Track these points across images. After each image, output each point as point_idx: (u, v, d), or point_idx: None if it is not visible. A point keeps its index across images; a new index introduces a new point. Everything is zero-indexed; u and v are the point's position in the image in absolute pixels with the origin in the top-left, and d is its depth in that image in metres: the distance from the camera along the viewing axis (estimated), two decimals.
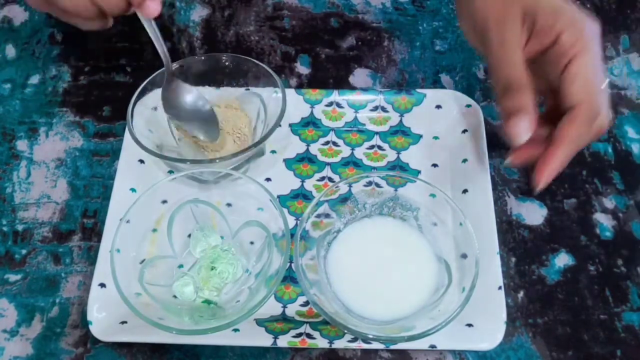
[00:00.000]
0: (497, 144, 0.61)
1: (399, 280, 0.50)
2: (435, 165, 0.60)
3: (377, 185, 0.52)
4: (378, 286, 0.50)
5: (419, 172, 0.59)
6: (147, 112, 0.57)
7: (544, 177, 0.45)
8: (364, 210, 0.53)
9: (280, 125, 0.55)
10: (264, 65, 0.58)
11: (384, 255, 0.52)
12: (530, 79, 0.45)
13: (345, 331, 0.45)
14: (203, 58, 0.60)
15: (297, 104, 0.62)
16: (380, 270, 0.51)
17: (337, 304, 0.49)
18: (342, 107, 0.62)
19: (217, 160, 0.53)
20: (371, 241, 0.52)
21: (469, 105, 0.61)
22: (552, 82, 0.47)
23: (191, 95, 0.57)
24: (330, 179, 0.59)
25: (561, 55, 0.44)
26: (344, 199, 0.52)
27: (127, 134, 0.58)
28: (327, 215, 0.52)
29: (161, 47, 0.55)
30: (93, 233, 0.57)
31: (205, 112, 0.57)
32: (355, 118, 0.62)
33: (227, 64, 0.60)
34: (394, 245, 0.52)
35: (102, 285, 0.51)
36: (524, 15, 0.45)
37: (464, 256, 0.53)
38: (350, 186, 0.52)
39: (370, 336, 0.45)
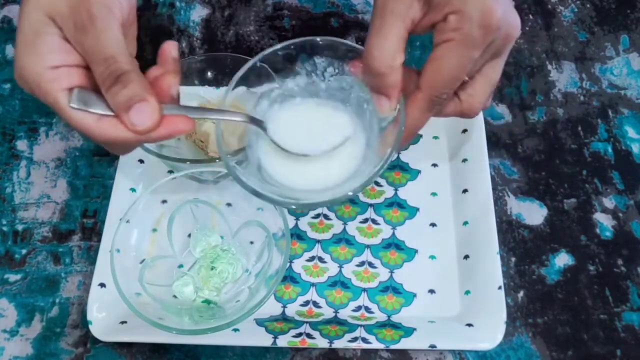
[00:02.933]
0: (497, 144, 0.61)
1: (324, 159, 0.46)
2: (435, 165, 0.60)
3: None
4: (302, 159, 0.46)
5: (419, 171, 0.59)
6: None
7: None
8: (322, 79, 0.48)
9: None
10: (264, 65, 0.58)
11: (312, 133, 0.47)
12: (398, 58, 0.41)
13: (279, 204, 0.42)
14: (203, 58, 0.60)
15: None
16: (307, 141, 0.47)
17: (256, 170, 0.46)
18: None
19: (217, 160, 0.53)
20: (309, 118, 0.48)
21: None
22: None
23: None
24: None
25: (439, 33, 0.41)
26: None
27: None
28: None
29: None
30: (93, 233, 0.57)
31: None
32: None
33: (227, 64, 0.60)
34: (326, 127, 0.47)
35: (102, 285, 0.51)
36: None
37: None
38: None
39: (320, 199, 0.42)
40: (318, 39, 0.47)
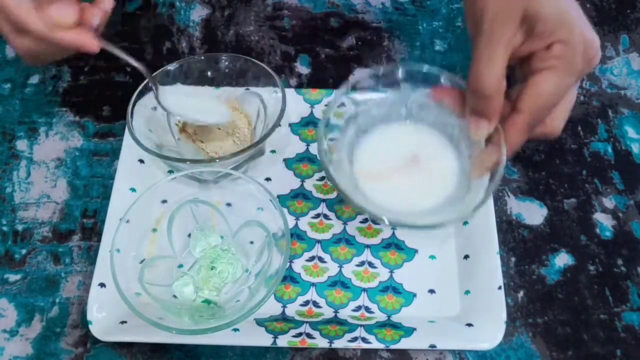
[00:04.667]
0: None
1: (420, 181, 0.50)
2: None
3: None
4: (399, 182, 0.50)
5: None
6: (147, 111, 0.57)
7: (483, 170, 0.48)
8: (406, 108, 0.51)
9: (280, 125, 0.55)
10: (263, 65, 0.58)
11: (410, 156, 0.51)
12: (503, 83, 0.44)
13: (361, 211, 0.46)
14: (203, 58, 0.60)
15: (297, 104, 0.62)
16: (404, 168, 0.50)
17: (358, 194, 0.49)
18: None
19: (217, 160, 0.53)
20: (401, 143, 0.51)
21: None
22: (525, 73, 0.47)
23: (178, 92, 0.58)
24: None
25: (540, 60, 0.44)
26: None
27: (127, 133, 0.58)
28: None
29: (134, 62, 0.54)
30: (93, 233, 0.57)
31: (202, 100, 0.58)
32: None
33: (227, 64, 0.60)
34: (423, 149, 0.51)
35: (102, 285, 0.51)
36: (524, 17, 0.43)
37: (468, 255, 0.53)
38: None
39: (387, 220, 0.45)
40: (423, 68, 0.50)
